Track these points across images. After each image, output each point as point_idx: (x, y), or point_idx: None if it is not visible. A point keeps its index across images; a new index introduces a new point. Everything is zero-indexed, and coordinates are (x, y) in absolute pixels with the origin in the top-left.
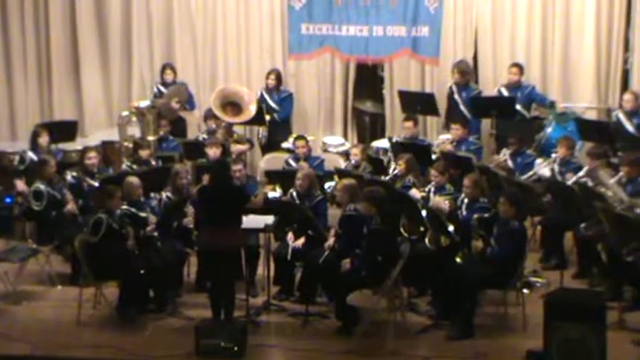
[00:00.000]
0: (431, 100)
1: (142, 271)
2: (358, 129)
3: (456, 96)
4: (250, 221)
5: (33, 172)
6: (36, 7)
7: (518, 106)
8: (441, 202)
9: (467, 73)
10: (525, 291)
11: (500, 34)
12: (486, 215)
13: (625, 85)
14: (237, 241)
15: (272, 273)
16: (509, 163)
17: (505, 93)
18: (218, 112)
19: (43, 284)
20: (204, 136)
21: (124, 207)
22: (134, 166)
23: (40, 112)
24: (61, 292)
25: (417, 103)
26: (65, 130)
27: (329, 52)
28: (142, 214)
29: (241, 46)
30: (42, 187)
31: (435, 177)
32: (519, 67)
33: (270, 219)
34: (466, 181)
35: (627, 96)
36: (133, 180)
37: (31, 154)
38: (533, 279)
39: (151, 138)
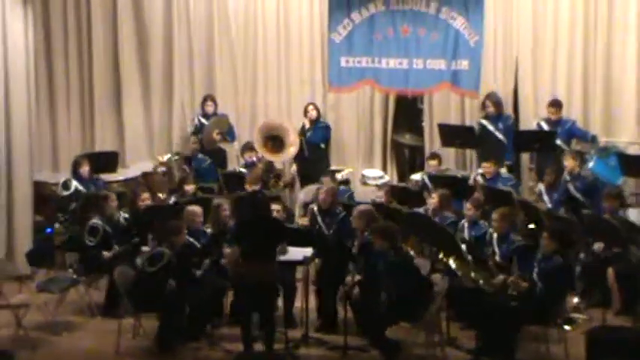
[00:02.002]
0: (470, 133)
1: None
2: (397, 162)
3: (491, 127)
4: (289, 254)
5: (91, 205)
6: (79, 40)
7: (558, 141)
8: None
9: (500, 104)
10: (567, 327)
11: (541, 68)
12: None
13: None
14: (274, 275)
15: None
16: (545, 197)
17: (545, 127)
18: (258, 146)
19: (83, 315)
20: (243, 169)
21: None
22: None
23: (82, 144)
24: (101, 322)
25: (457, 137)
26: (106, 160)
27: (369, 84)
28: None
29: (281, 78)
30: (100, 223)
31: (468, 210)
32: (556, 107)
33: (308, 251)
34: (495, 215)
35: None
36: (195, 209)
37: (75, 183)
38: (575, 315)
39: (161, 196)
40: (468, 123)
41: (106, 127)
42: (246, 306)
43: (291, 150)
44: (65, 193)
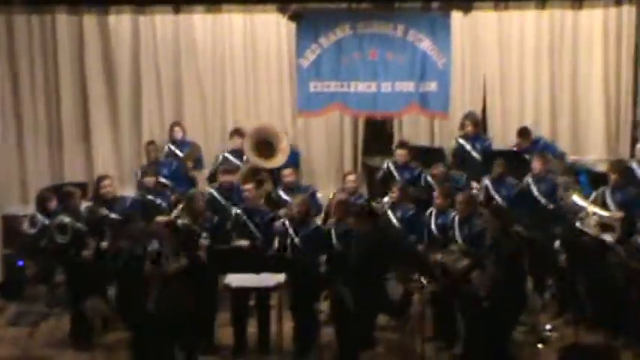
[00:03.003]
0: (440, 154)
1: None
2: (368, 185)
3: (468, 147)
4: (263, 279)
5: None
6: (46, 71)
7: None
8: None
9: (478, 124)
10: (540, 346)
11: (509, 88)
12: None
13: (634, 137)
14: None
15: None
16: (492, 192)
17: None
18: (248, 148)
19: (55, 347)
20: (228, 155)
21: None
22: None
23: (52, 175)
24: (73, 355)
25: (427, 157)
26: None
27: (338, 108)
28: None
29: (250, 104)
30: (66, 219)
31: (437, 199)
32: (524, 136)
33: (281, 277)
34: (459, 198)
35: None
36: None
37: (42, 218)
38: (547, 333)
39: None
40: (437, 144)
41: (75, 158)
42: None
43: (280, 157)
44: (32, 231)
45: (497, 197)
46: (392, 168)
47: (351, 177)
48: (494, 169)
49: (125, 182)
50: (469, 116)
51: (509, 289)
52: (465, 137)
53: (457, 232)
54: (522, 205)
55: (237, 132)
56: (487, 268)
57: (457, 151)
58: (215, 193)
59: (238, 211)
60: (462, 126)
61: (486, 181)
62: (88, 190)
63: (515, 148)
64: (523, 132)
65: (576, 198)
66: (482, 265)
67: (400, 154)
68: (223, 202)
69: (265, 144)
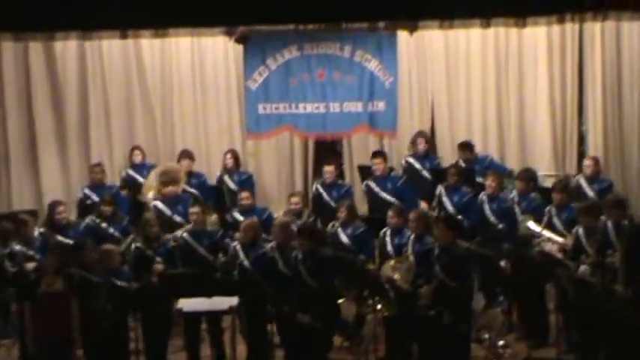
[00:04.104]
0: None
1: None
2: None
3: (418, 165)
4: (215, 303)
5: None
6: None
7: (479, 179)
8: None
9: (429, 141)
10: None
11: (456, 106)
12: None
13: (581, 152)
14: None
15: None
16: (445, 198)
17: (463, 166)
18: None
19: None
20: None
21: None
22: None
23: None
24: None
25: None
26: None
27: (287, 130)
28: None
29: (199, 126)
30: (17, 247)
31: (392, 219)
32: (466, 149)
33: (234, 300)
34: (411, 216)
35: (587, 161)
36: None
37: None
38: (501, 350)
39: None
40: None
41: (22, 183)
42: None
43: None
44: None
45: (447, 203)
46: (320, 189)
47: (295, 199)
48: (448, 178)
49: (73, 207)
50: (421, 134)
51: (454, 294)
52: (415, 156)
53: (410, 249)
54: (471, 217)
55: (186, 154)
56: (433, 279)
57: (406, 171)
58: (160, 205)
59: (184, 234)
60: (413, 145)
61: (440, 188)
62: (37, 216)
63: (461, 161)
64: (465, 145)
65: (531, 224)
66: (429, 279)
67: (328, 170)
68: (169, 212)
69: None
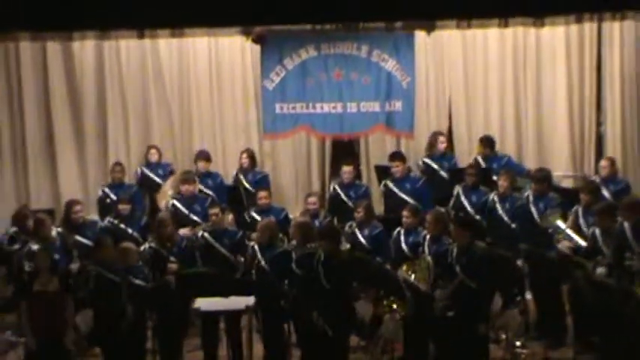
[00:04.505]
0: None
1: None
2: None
3: (435, 166)
4: (232, 303)
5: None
6: (10, 94)
7: (495, 177)
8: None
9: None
10: None
11: (474, 106)
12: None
13: (599, 152)
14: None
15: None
16: (462, 198)
17: (482, 164)
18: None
19: None
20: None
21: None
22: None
23: (17, 199)
24: None
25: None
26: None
27: (304, 130)
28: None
29: (216, 126)
30: (34, 247)
31: (406, 218)
32: (486, 144)
33: (251, 300)
34: (429, 217)
35: (603, 162)
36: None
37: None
38: (518, 350)
39: None
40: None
41: (40, 181)
42: None
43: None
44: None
45: (466, 203)
46: (338, 189)
47: (312, 199)
48: (467, 178)
49: (91, 206)
50: (441, 133)
51: (472, 296)
52: (432, 157)
53: (427, 250)
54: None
55: (202, 155)
56: (451, 281)
57: (424, 172)
58: (177, 203)
59: (205, 234)
60: (430, 145)
61: (458, 189)
62: (55, 216)
63: (479, 157)
64: (486, 140)
65: (560, 222)
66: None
67: (347, 170)
68: (186, 211)
69: None
